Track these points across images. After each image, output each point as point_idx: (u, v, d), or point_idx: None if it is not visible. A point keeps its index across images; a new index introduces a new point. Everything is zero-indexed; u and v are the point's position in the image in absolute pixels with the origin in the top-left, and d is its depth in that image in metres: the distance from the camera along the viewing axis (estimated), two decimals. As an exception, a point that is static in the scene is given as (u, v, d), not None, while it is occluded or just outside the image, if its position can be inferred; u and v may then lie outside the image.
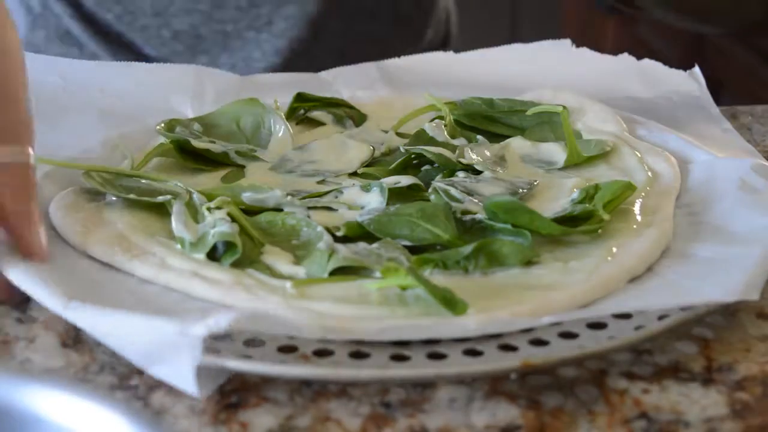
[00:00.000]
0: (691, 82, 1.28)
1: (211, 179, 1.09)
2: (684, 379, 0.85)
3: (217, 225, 0.95)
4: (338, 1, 1.53)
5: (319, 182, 1.08)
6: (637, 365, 0.86)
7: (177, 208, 0.98)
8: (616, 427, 0.79)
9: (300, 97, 1.21)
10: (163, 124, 1.14)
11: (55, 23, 1.55)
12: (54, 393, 0.62)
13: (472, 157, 1.09)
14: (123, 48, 1.53)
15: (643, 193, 1.05)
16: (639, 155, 1.11)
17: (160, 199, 1.00)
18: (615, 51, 1.32)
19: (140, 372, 0.84)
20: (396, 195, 1.03)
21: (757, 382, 0.84)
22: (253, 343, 0.85)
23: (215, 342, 0.84)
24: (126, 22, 1.51)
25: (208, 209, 0.97)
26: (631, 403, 0.82)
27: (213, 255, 0.94)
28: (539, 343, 0.86)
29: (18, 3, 1.56)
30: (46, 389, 0.62)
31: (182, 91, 1.24)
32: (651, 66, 1.30)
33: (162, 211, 1.00)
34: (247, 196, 1.01)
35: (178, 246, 0.96)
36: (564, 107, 1.15)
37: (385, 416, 0.81)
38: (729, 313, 0.92)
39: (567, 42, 1.33)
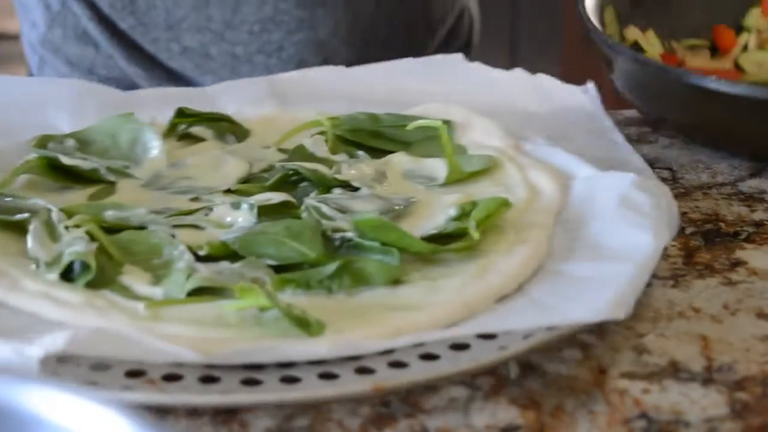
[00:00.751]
0: (585, 96, 1.26)
1: (79, 197, 1.05)
2: (684, 379, 0.84)
3: (74, 244, 0.92)
4: (351, 29, 1.52)
5: (192, 199, 1.05)
6: (637, 365, 0.85)
7: (33, 227, 0.95)
8: (616, 427, 0.79)
9: (181, 113, 1.18)
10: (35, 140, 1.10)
11: (73, 22, 1.54)
12: (54, 393, 0.61)
13: (350, 173, 1.06)
14: (138, 52, 1.52)
15: (522, 210, 1.02)
16: (522, 171, 1.09)
17: (18, 217, 0.97)
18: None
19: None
20: (267, 213, 1.00)
21: (757, 382, 0.84)
22: (99, 367, 0.82)
23: (59, 366, 0.81)
24: (139, 33, 1.50)
25: (66, 227, 0.94)
26: (631, 403, 0.81)
27: (70, 275, 0.91)
28: (398, 365, 0.83)
29: (37, 0, 1.56)
30: (46, 389, 0.61)
31: (61, 106, 1.20)
32: (544, 81, 1.28)
33: (21, 230, 0.97)
34: (109, 214, 0.98)
35: (33, 266, 0.92)
36: (445, 122, 1.13)
37: (385, 416, 0.80)
38: (730, 313, 0.92)
39: (459, 56, 1.30)
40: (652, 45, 1.22)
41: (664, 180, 1.14)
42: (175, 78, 1.52)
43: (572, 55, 1.39)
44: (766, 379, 0.84)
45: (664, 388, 0.83)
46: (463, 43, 1.68)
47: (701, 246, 1.02)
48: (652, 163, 1.17)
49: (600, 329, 0.89)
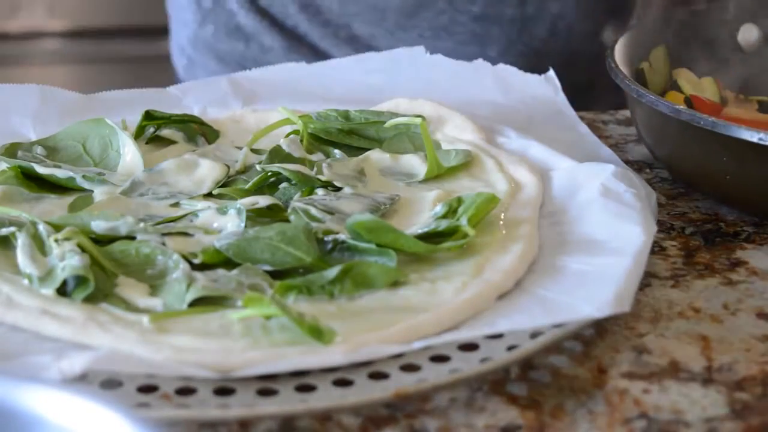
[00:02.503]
0: (547, 85, 1.27)
1: (57, 206, 1.03)
2: (684, 379, 0.84)
3: (66, 257, 0.90)
4: (522, 52, 1.52)
5: (172, 205, 1.03)
6: (637, 365, 0.85)
7: (22, 241, 0.93)
8: (616, 427, 0.79)
9: (149, 115, 1.16)
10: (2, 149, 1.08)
11: (226, 18, 1.54)
12: (54, 393, 0.61)
13: (330, 172, 1.06)
14: (297, 41, 1.52)
15: (506, 204, 1.03)
16: (500, 165, 1.09)
17: (3, 231, 0.95)
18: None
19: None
20: (254, 217, 0.99)
21: (757, 382, 0.84)
22: (110, 384, 0.81)
23: (70, 385, 0.79)
24: (310, 14, 1.50)
25: (56, 241, 0.92)
26: (631, 403, 0.81)
27: (63, 289, 0.89)
28: (410, 368, 0.83)
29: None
30: (46, 389, 0.61)
31: (24, 111, 1.18)
32: (506, 71, 1.28)
33: (6, 244, 0.95)
34: (97, 225, 0.96)
35: (26, 281, 0.90)
36: (422, 117, 1.12)
37: (385, 416, 0.80)
38: (730, 313, 0.93)
39: (421, 49, 1.30)
40: (703, 90, 1.20)
41: (663, 179, 1.15)
42: None
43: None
44: (766, 379, 0.85)
45: (664, 388, 0.83)
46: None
47: (701, 246, 1.03)
48: (651, 163, 1.18)
49: (600, 329, 0.90)
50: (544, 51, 1.53)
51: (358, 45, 1.52)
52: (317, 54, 1.53)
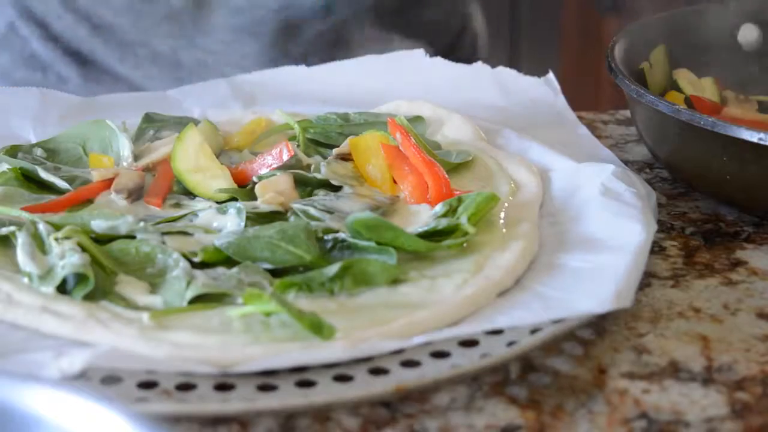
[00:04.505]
0: (546, 87, 1.27)
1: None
2: (684, 379, 0.84)
3: (66, 256, 0.90)
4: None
5: (172, 205, 1.03)
6: (637, 365, 0.85)
7: (22, 240, 0.93)
8: (616, 427, 0.79)
9: (148, 118, 1.17)
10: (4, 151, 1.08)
11: (21, 46, 1.50)
12: (53, 392, 0.61)
13: (329, 173, 1.06)
14: (93, 68, 1.48)
15: (506, 204, 1.03)
16: (500, 165, 1.10)
17: (3, 230, 0.95)
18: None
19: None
20: (254, 217, 0.99)
21: (757, 382, 0.84)
22: (110, 380, 0.81)
23: (70, 382, 0.79)
24: (105, 34, 1.46)
25: (56, 239, 0.92)
26: (631, 403, 0.81)
27: (63, 288, 0.89)
28: (411, 364, 0.83)
29: None
30: (46, 389, 0.61)
31: (24, 114, 1.18)
32: (505, 73, 1.28)
33: (6, 243, 0.95)
34: (97, 224, 0.96)
35: (25, 280, 0.90)
36: (416, 118, 1.14)
37: (385, 416, 0.79)
38: (730, 313, 0.92)
39: (420, 52, 1.30)
40: (703, 90, 1.20)
41: (663, 179, 1.15)
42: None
43: (572, 54, 1.37)
44: (766, 379, 0.85)
45: (664, 388, 0.83)
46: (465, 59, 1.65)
47: (701, 246, 1.03)
48: (651, 163, 1.18)
49: (600, 329, 0.90)
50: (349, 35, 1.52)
51: (162, 62, 1.49)
52: (118, 80, 1.49)
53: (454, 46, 1.63)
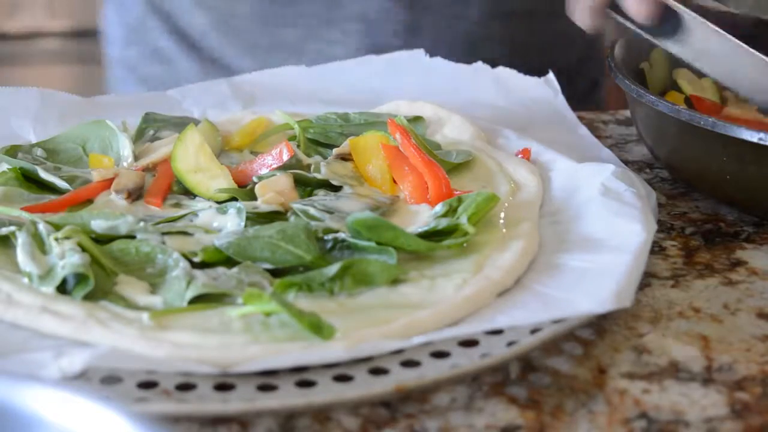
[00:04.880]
0: (546, 88, 1.27)
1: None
2: (684, 379, 0.84)
3: (66, 255, 0.90)
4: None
5: (172, 205, 1.03)
6: (637, 365, 0.85)
7: (22, 240, 0.93)
8: (616, 427, 0.79)
9: (148, 118, 1.17)
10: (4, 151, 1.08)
11: (149, 40, 1.52)
12: (54, 393, 0.61)
13: (328, 173, 1.06)
14: (213, 63, 1.49)
15: (506, 204, 1.03)
16: (500, 165, 1.10)
17: (3, 230, 0.95)
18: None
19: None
20: (254, 217, 0.99)
21: (757, 382, 0.84)
22: (110, 380, 0.81)
23: (70, 382, 0.79)
24: (228, 24, 1.46)
25: (56, 239, 0.92)
26: (631, 403, 0.81)
27: (63, 288, 0.89)
28: (411, 364, 0.83)
29: (116, 17, 1.54)
30: (46, 389, 0.61)
31: (24, 114, 1.18)
32: (505, 73, 1.28)
33: (6, 243, 0.95)
34: (97, 224, 0.96)
35: (25, 280, 0.90)
36: (416, 118, 1.14)
37: (385, 416, 0.79)
38: (730, 313, 0.92)
39: (420, 52, 1.30)
40: (703, 90, 1.20)
41: (663, 179, 1.15)
42: None
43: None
44: (766, 379, 0.85)
45: (664, 388, 0.83)
46: (601, 62, 1.62)
47: (701, 246, 1.03)
48: (651, 163, 1.19)
49: (600, 329, 0.89)
50: (482, 36, 1.50)
51: (282, 53, 1.48)
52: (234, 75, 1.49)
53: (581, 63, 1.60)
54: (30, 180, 1.06)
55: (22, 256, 0.92)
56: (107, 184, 1.04)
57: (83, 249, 0.92)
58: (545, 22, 1.51)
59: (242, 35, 1.47)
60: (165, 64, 1.51)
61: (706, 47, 1.09)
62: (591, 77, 1.55)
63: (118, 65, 1.57)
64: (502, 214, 1.01)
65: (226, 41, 1.48)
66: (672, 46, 1.10)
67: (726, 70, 1.10)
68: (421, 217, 1.01)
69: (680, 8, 1.09)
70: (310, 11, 1.44)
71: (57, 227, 0.95)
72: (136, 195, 1.04)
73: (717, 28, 1.08)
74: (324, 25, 1.45)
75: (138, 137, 1.15)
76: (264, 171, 1.05)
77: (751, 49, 1.08)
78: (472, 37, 1.48)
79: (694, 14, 1.09)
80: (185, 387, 0.81)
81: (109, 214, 0.97)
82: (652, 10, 1.08)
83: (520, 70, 1.27)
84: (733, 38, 1.08)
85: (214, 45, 1.50)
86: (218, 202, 1.02)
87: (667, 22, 1.10)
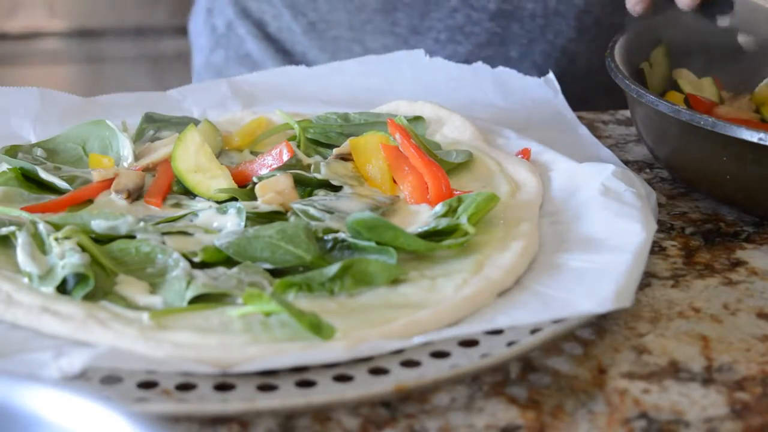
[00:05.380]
0: (546, 88, 1.27)
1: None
2: (684, 379, 0.84)
3: (67, 255, 0.90)
4: (546, 52, 1.46)
5: (172, 205, 1.03)
6: (637, 365, 0.85)
7: (22, 240, 0.93)
8: (616, 427, 0.79)
9: (148, 117, 1.17)
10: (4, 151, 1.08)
11: (237, 45, 1.52)
12: (54, 393, 0.61)
13: (328, 173, 1.06)
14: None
15: (506, 204, 1.03)
16: (500, 165, 1.10)
17: (3, 230, 0.95)
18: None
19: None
20: (254, 217, 0.99)
21: (757, 382, 0.84)
22: (110, 380, 0.81)
23: (70, 382, 0.79)
24: (319, 30, 1.46)
25: (56, 239, 0.92)
26: (631, 403, 0.81)
27: (63, 288, 0.89)
28: (411, 364, 0.83)
29: (203, 24, 1.54)
30: (46, 389, 0.61)
31: (24, 114, 1.18)
32: (505, 73, 1.28)
33: (6, 243, 0.95)
34: (97, 224, 0.96)
35: (25, 280, 0.90)
36: (416, 118, 1.14)
37: (385, 416, 0.79)
38: (730, 313, 0.92)
39: (420, 52, 1.30)
40: (703, 90, 1.20)
41: (663, 179, 1.15)
42: None
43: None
44: (766, 379, 0.85)
45: (664, 388, 0.83)
46: None
47: (701, 246, 1.03)
48: (651, 163, 1.19)
49: (600, 329, 0.89)
50: (572, 56, 1.48)
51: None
52: None
53: None
54: (30, 180, 1.06)
55: (22, 256, 0.92)
56: (107, 184, 1.04)
57: (83, 249, 0.92)
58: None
59: (334, 42, 1.48)
60: (253, 69, 1.51)
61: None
62: None
63: (205, 70, 1.57)
64: (503, 214, 1.01)
65: (317, 47, 1.49)
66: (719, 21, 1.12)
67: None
68: (421, 217, 1.01)
69: None
70: (403, 20, 1.44)
71: (57, 227, 0.95)
72: (136, 195, 1.04)
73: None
74: (414, 34, 1.44)
75: (138, 137, 1.15)
76: (264, 171, 1.06)
77: None
78: (565, 51, 1.48)
79: None
80: (185, 387, 0.81)
81: (109, 214, 0.97)
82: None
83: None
84: None
85: (305, 50, 1.50)
86: (218, 202, 1.02)
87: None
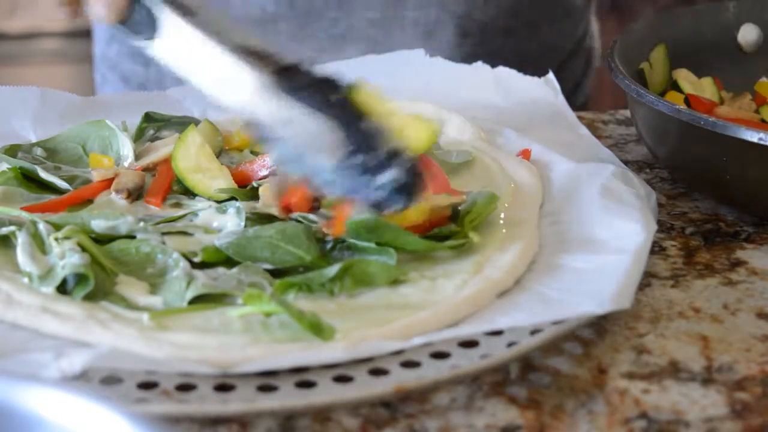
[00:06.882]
0: (546, 88, 1.27)
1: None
2: (684, 379, 0.84)
3: (67, 255, 0.90)
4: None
5: (172, 205, 1.03)
6: (637, 365, 0.85)
7: (22, 240, 0.93)
8: (616, 427, 0.79)
9: (149, 117, 1.17)
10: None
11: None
12: (54, 393, 0.61)
13: None
14: None
15: (506, 204, 1.03)
16: (500, 165, 1.10)
17: (3, 230, 0.95)
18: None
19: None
20: (254, 217, 0.99)
21: (757, 382, 0.84)
22: (110, 380, 0.81)
23: (70, 382, 0.79)
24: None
25: (56, 239, 0.92)
26: (631, 403, 0.81)
27: (63, 288, 0.89)
28: (411, 364, 0.83)
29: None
30: (46, 389, 0.61)
31: (24, 113, 1.18)
32: (506, 73, 1.28)
33: (6, 243, 0.95)
34: (97, 224, 0.96)
35: (25, 280, 0.90)
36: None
37: (385, 416, 0.79)
38: (730, 313, 0.92)
39: (420, 51, 1.30)
40: (703, 90, 1.20)
41: (663, 179, 1.15)
42: None
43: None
44: (766, 379, 0.85)
45: (664, 388, 0.83)
46: (583, 63, 1.61)
47: (701, 246, 1.03)
48: (651, 163, 1.18)
49: (600, 329, 0.89)
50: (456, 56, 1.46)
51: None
52: None
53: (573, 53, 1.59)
54: (30, 180, 1.06)
55: (22, 256, 0.92)
56: (107, 184, 1.04)
57: (83, 249, 0.92)
58: (525, 36, 1.51)
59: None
60: (146, 65, 1.50)
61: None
62: (573, 80, 1.54)
63: (102, 64, 1.56)
64: (502, 215, 1.01)
65: None
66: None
67: None
68: (423, 216, 1.01)
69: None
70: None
71: (57, 227, 0.95)
72: (136, 195, 1.04)
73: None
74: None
75: (138, 137, 1.15)
76: (264, 171, 1.05)
77: None
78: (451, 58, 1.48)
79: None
80: (185, 387, 0.81)
81: (109, 214, 0.97)
82: None
83: None
84: None
85: None
86: (218, 202, 1.02)
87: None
